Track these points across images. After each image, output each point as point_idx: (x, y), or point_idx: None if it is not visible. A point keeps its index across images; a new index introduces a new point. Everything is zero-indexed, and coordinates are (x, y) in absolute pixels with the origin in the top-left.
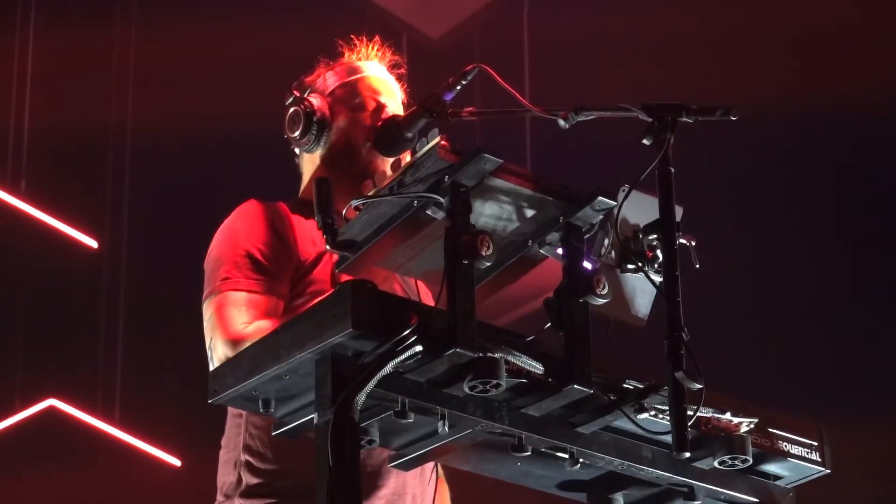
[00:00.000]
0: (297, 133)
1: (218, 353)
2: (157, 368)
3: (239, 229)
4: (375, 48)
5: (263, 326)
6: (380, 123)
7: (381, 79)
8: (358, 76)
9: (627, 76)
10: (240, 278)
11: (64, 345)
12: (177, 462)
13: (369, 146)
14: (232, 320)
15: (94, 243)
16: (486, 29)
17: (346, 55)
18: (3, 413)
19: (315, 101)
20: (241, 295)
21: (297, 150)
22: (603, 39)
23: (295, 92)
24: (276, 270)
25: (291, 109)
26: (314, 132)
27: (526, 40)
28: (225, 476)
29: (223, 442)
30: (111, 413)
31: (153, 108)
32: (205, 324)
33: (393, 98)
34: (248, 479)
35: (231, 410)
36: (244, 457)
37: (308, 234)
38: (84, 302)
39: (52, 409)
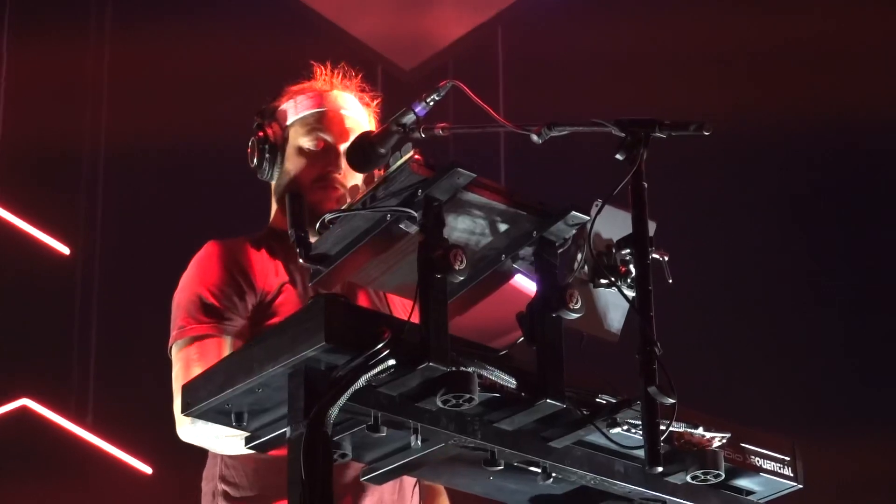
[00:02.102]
0: (254, 162)
1: (176, 406)
2: (131, 374)
3: (194, 275)
4: (340, 76)
5: None
6: (333, 162)
7: (340, 114)
8: (317, 110)
9: (601, 97)
10: (193, 325)
11: (38, 347)
12: (148, 469)
13: (316, 187)
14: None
15: (66, 249)
16: (460, 61)
17: (311, 83)
18: None
19: (270, 131)
20: (195, 344)
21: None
22: (576, 65)
23: (257, 118)
24: (229, 310)
25: (252, 139)
26: (268, 161)
27: (500, 72)
28: None
29: (203, 474)
30: (84, 416)
31: (127, 117)
32: (173, 371)
33: (352, 133)
34: None
35: None
36: (220, 486)
37: (270, 267)
38: (58, 306)
39: (24, 409)
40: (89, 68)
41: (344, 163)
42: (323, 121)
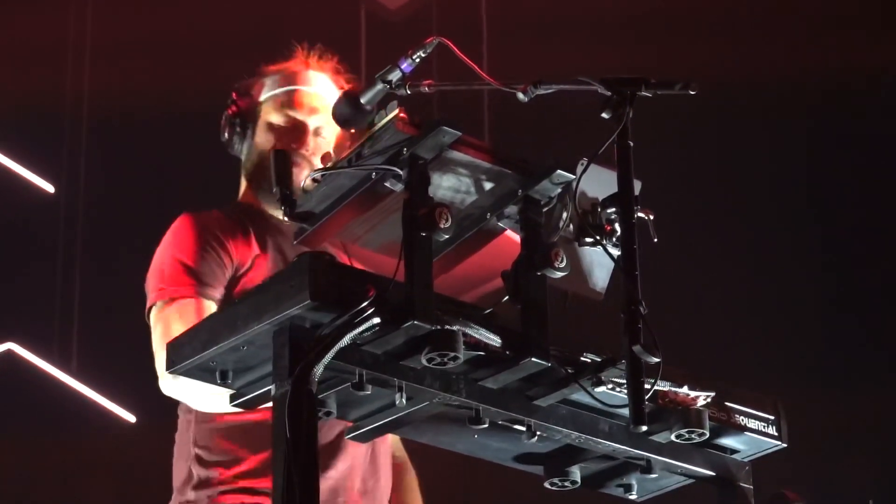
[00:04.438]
0: (224, 137)
1: (158, 365)
2: (116, 320)
3: (172, 243)
4: (315, 56)
5: None
6: (300, 140)
7: (308, 94)
8: (286, 88)
9: (588, 49)
10: (174, 286)
11: (24, 290)
12: (132, 418)
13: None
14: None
15: (50, 187)
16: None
17: (287, 63)
18: None
19: (244, 105)
20: (176, 303)
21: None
22: (562, 10)
23: (233, 93)
24: (207, 275)
25: (224, 113)
26: (238, 135)
27: (484, 10)
28: (178, 472)
29: (176, 439)
30: (68, 361)
31: (111, 67)
32: (152, 333)
33: (317, 115)
34: (198, 472)
35: (181, 407)
36: (194, 450)
37: (243, 240)
38: (43, 247)
39: (10, 353)
40: (72, 22)
41: (311, 141)
42: (294, 98)
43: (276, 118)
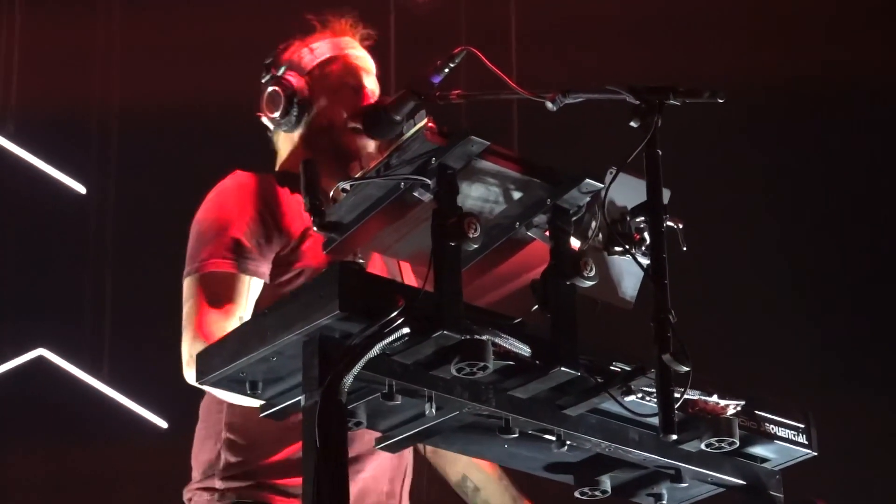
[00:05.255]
0: (276, 113)
1: (184, 345)
2: (147, 325)
3: (224, 204)
4: (350, 23)
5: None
6: (362, 104)
7: (359, 57)
8: (336, 54)
9: (615, 61)
10: (216, 259)
11: (53, 294)
12: (163, 424)
13: (350, 127)
14: (207, 318)
15: (81, 188)
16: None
17: (321, 30)
18: None
19: (293, 79)
20: (220, 276)
21: (271, 127)
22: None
23: (272, 70)
24: (258, 249)
25: (270, 89)
26: (295, 113)
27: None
28: (203, 454)
29: (201, 415)
30: (100, 367)
31: (139, 70)
32: (183, 303)
33: (370, 76)
34: (229, 458)
35: None
36: (226, 434)
37: (295, 209)
38: (74, 253)
39: (41, 358)
40: (100, 27)
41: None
42: (349, 61)
43: (339, 80)
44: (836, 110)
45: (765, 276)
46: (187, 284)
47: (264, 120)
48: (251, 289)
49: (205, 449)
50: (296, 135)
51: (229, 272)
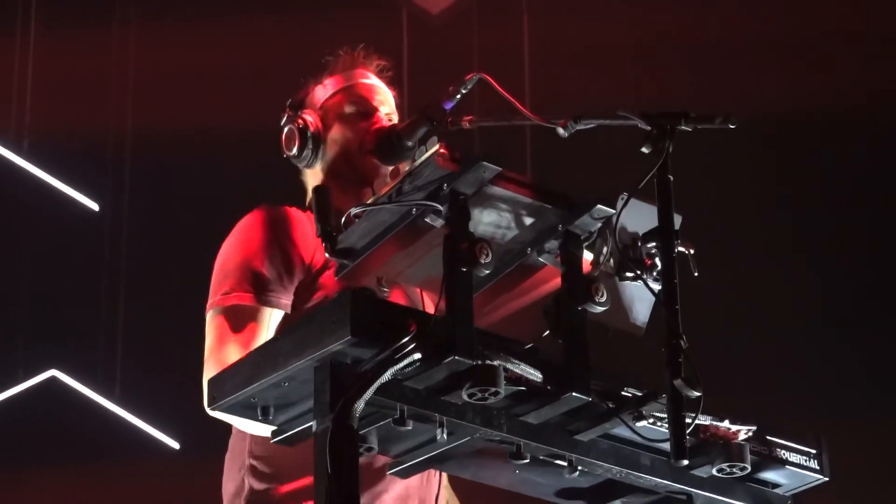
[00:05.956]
0: (294, 151)
1: (205, 378)
2: (159, 347)
3: (244, 241)
4: (361, 55)
5: None
6: (373, 127)
7: (369, 84)
8: (347, 84)
9: (628, 85)
10: (238, 293)
11: (66, 316)
12: (175, 445)
13: (366, 150)
14: (227, 351)
15: (94, 206)
16: (485, 3)
17: (333, 66)
18: (7, 383)
19: (308, 116)
20: (241, 309)
21: (299, 167)
22: (602, 52)
23: (288, 111)
24: (278, 281)
25: (286, 128)
26: (310, 147)
27: (525, 10)
28: (229, 482)
29: (229, 447)
30: (112, 388)
31: (154, 80)
32: (206, 336)
33: (384, 102)
34: (253, 484)
35: None
36: (249, 461)
37: (316, 240)
38: (86, 275)
39: (53, 379)
40: (114, 50)
41: (384, 116)
42: (358, 90)
43: (349, 108)
44: (849, 137)
45: (777, 301)
46: (209, 318)
47: (292, 161)
48: (272, 321)
49: (230, 477)
50: (318, 168)
51: (250, 305)
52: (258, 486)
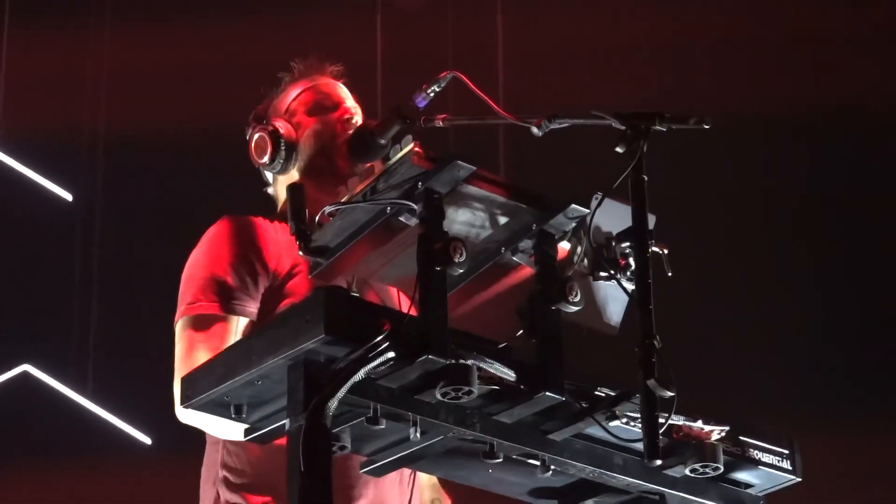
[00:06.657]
0: (265, 158)
1: (175, 387)
2: (132, 342)
3: (209, 251)
4: (317, 62)
5: None
6: (343, 116)
7: (331, 82)
8: (310, 84)
9: (602, 86)
10: (203, 302)
11: (38, 311)
12: (147, 440)
13: (339, 140)
14: (195, 359)
15: (68, 196)
16: (459, 2)
17: (291, 77)
18: None
19: (277, 123)
20: (207, 318)
21: (268, 175)
22: (576, 53)
23: (253, 123)
24: (243, 290)
25: (256, 136)
26: (283, 149)
27: (499, 10)
28: (205, 494)
29: (204, 458)
30: (84, 383)
31: (127, 77)
32: (175, 346)
33: (347, 97)
34: (225, 496)
35: None
36: (222, 473)
37: (284, 247)
38: (59, 262)
39: (26, 374)
40: (89, 44)
41: (355, 118)
42: (323, 88)
43: (316, 103)
44: (826, 136)
45: (749, 302)
46: (178, 329)
47: (262, 171)
48: (239, 329)
49: (205, 490)
50: (293, 172)
51: (216, 314)
52: (231, 496)
